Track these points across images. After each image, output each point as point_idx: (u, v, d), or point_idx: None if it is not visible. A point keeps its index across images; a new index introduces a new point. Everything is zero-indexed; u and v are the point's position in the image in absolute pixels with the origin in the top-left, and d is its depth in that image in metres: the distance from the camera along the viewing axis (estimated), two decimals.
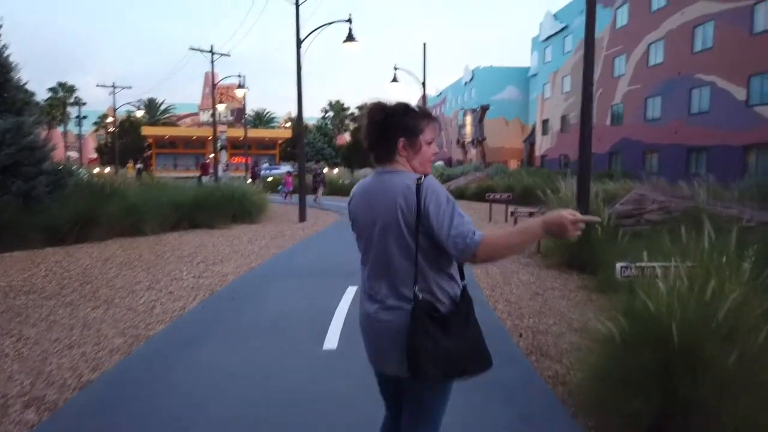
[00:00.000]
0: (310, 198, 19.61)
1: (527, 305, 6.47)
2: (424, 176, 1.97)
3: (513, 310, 6.22)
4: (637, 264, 4.61)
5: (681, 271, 3.71)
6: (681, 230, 5.56)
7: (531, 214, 10.33)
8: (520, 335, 5.35)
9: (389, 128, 2.03)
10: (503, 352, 4.64)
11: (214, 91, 28.23)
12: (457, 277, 2.06)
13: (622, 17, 32.64)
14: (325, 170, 29.19)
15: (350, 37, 17.06)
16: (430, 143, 2.09)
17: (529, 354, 4.83)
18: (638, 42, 30.54)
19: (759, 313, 3.27)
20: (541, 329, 5.55)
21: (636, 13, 31.01)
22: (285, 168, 38.47)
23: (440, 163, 51.85)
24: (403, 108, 2.07)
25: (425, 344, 1.90)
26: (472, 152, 53.14)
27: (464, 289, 2.07)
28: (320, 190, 23.79)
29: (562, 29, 42.35)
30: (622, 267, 4.65)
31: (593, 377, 3.46)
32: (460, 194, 25.49)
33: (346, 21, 16.83)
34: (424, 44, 26.93)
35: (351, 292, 6.78)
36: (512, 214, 10.42)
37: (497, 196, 16.05)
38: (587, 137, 8.60)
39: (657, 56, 29.16)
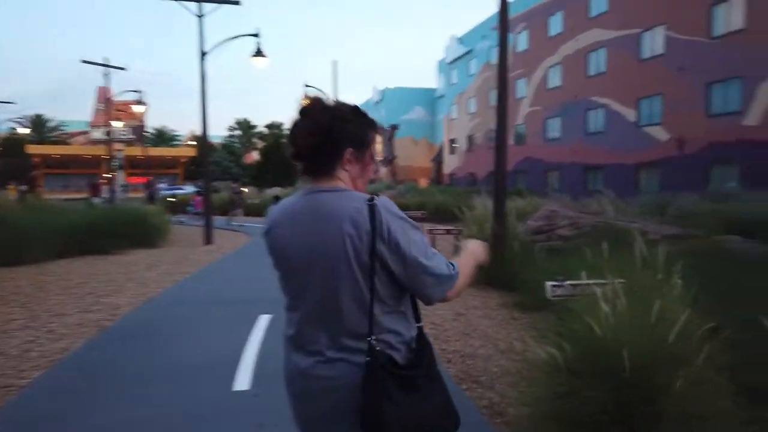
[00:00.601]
0: (218, 220, 18.55)
1: (452, 327, 6.19)
2: (373, 196, 1.56)
3: (438, 333, 5.90)
4: (571, 282, 4.42)
5: (618, 290, 3.53)
6: (603, 246, 5.53)
7: (448, 232, 10.21)
8: (449, 361, 5.03)
9: (336, 134, 1.60)
10: None
11: (108, 106, 26.33)
12: (412, 317, 1.66)
13: (522, 42, 34.32)
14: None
15: (259, 53, 16.48)
16: (374, 159, 1.70)
17: (460, 382, 4.51)
18: (537, 66, 32.18)
19: (700, 334, 3.13)
20: (468, 353, 5.27)
21: (535, 38, 32.71)
22: (189, 188, 36.63)
23: None
24: (352, 111, 1.65)
25: (385, 409, 1.47)
26: (383, 171, 53.51)
27: (421, 331, 1.67)
28: (237, 211, 23.03)
29: (467, 53, 43.93)
30: (553, 286, 4.45)
31: (537, 412, 3.16)
32: None
33: (254, 35, 16.25)
34: (335, 62, 26.76)
35: (264, 320, 6.19)
36: (430, 231, 10.23)
37: (410, 213, 15.97)
38: (503, 155, 8.59)
39: (555, 80, 30.82)
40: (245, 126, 71.38)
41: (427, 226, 13.30)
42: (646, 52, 23.55)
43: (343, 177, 1.63)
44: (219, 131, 68.11)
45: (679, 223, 12.42)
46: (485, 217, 9.51)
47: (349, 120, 1.62)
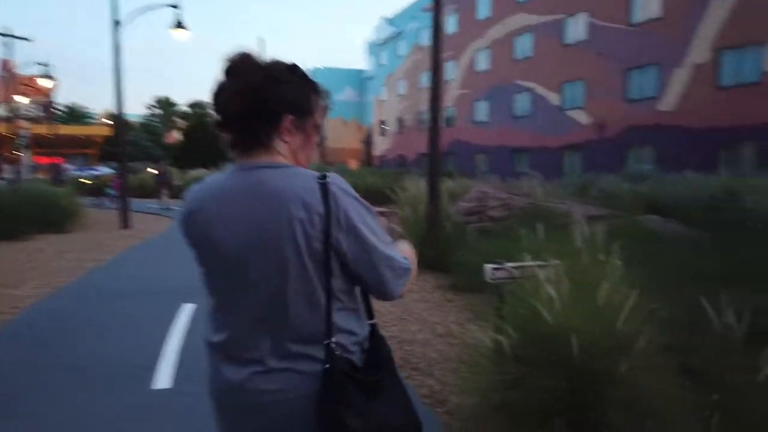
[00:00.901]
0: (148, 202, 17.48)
1: (388, 311, 6.01)
2: (325, 174, 1.30)
3: (376, 318, 5.70)
4: (511, 264, 4.31)
5: (560, 272, 3.43)
6: (537, 227, 5.49)
7: (382, 214, 10.02)
8: None
9: (271, 98, 1.29)
10: None
11: (11, 80, 24.15)
12: (365, 313, 1.43)
13: (451, 25, 34.47)
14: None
15: (179, 25, 15.49)
16: (318, 128, 1.41)
17: (399, 368, 4.30)
18: (466, 49, 32.47)
19: (643, 316, 3.07)
20: (406, 338, 5.11)
21: (463, 21, 32.94)
22: (105, 169, 34.47)
23: None
24: (289, 69, 1.34)
25: (349, 422, 1.23)
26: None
27: (374, 328, 1.44)
28: (164, 192, 21.54)
29: (396, 34, 43.72)
30: (493, 268, 4.33)
31: (483, 402, 3.01)
32: None
33: (173, 6, 15.24)
34: (262, 41, 25.77)
35: (187, 311, 5.76)
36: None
37: None
38: (437, 136, 8.46)
39: (483, 63, 31.23)
40: (165, 104, 68.05)
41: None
42: (570, 37, 24.24)
43: (283, 150, 1.33)
44: (137, 110, 64.54)
45: (601, 203, 12.88)
46: (419, 198, 9.39)
47: (287, 80, 1.31)
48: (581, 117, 23.42)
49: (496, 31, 29.78)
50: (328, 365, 1.25)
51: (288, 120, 1.31)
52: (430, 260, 8.22)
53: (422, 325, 5.51)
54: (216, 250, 1.30)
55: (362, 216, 1.30)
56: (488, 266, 4.42)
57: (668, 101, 19.27)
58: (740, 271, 5.53)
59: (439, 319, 5.74)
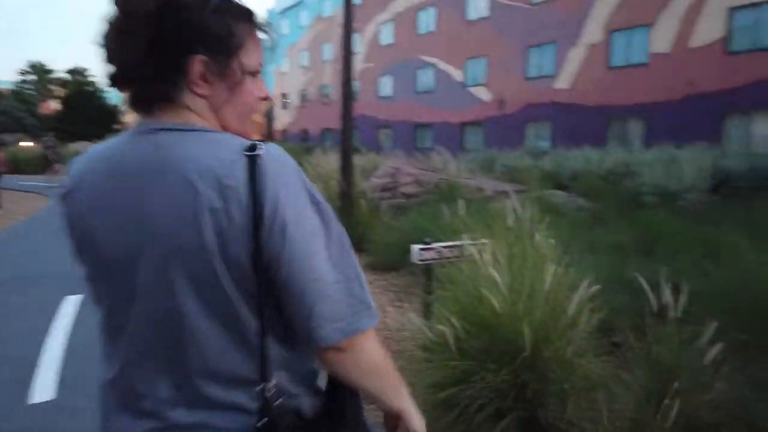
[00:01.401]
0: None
1: None
2: (258, 144, 0.87)
3: None
4: (441, 245, 4.07)
5: (496, 253, 3.23)
6: (458, 203, 5.31)
7: None
8: None
9: (168, 31, 0.86)
10: None
11: None
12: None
13: None
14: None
15: None
16: (256, 73, 0.98)
17: None
18: (370, 21, 31.99)
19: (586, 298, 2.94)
20: None
21: None
22: None
23: None
24: None
25: None
26: None
27: None
28: (56, 168, 19.24)
29: (297, 3, 42.23)
30: (420, 248, 4.07)
31: (427, 400, 2.74)
32: None
33: None
34: None
35: (70, 305, 5.03)
36: None
37: None
38: (349, 109, 8.06)
39: (388, 37, 30.94)
40: (40, 70, 61.60)
41: None
42: (472, 13, 24.51)
43: (198, 107, 0.91)
44: (8, 76, 57.89)
45: (506, 179, 13.18)
46: (330, 174, 8.99)
47: (192, 5, 0.87)
48: (483, 94, 23.91)
49: (399, 5, 29.54)
50: (265, 419, 0.87)
51: (197, 62, 0.88)
52: None
53: None
54: (92, 245, 0.91)
55: (302, 211, 0.88)
56: (416, 247, 4.17)
57: (564, 79, 20.09)
58: (650, 243, 5.73)
59: None
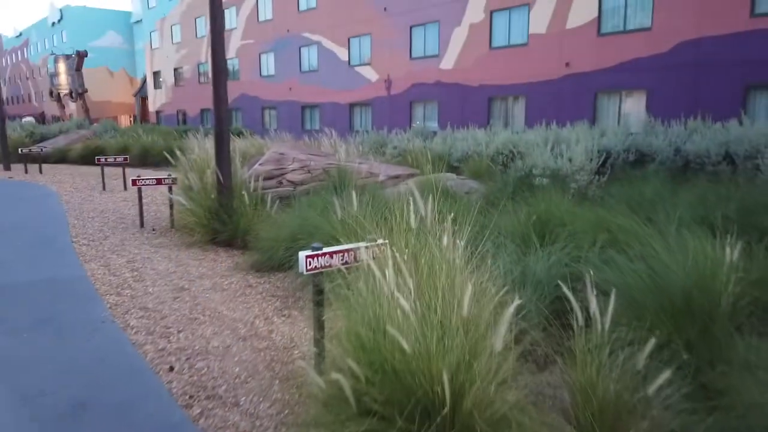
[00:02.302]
0: None
1: (171, 310, 4.76)
2: None
3: (153, 324, 4.42)
4: (330, 250, 3.46)
5: (399, 261, 2.68)
6: (350, 196, 4.75)
7: (160, 182, 8.38)
8: (171, 368, 3.67)
9: None
10: (152, 414, 2.96)
11: None
12: None
13: None
14: None
15: None
16: None
17: (189, 403, 3.23)
18: None
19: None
20: (197, 349, 3.99)
21: None
22: None
23: (29, 119, 42.63)
24: None
25: None
26: (72, 107, 45.39)
27: None
28: None
29: None
30: (308, 256, 3.43)
31: None
32: (61, 157, 20.86)
33: None
34: None
35: None
36: (135, 181, 8.24)
37: (111, 159, 13.17)
38: (222, 88, 7.11)
39: (266, 12, 29.37)
40: None
41: (133, 174, 11.04)
42: None
43: None
44: None
45: (397, 161, 12.81)
46: (206, 161, 8.00)
47: None
48: (369, 73, 23.42)
49: None
50: None
51: None
52: (223, 235, 7.03)
53: (219, 325, 4.42)
54: None
55: None
56: (302, 254, 3.52)
57: (449, 59, 20.10)
58: (549, 229, 5.51)
59: (241, 314, 4.69)
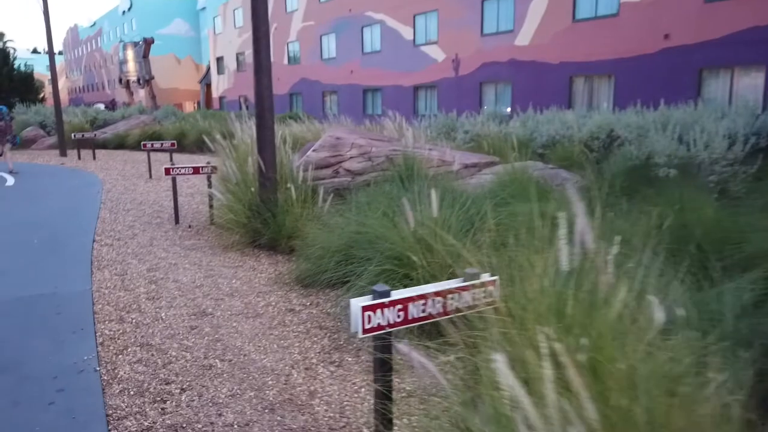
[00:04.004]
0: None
1: (182, 349, 3.48)
2: None
3: (150, 375, 3.15)
4: (409, 293, 2.04)
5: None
6: (431, 198, 3.37)
7: (197, 170, 7.21)
8: None
9: None
10: None
11: None
12: None
13: None
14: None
15: None
16: None
17: None
18: None
19: None
20: (202, 428, 2.67)
21: None
22: None
23: (100, 105, 43.59)
24: None
25: None
26: (140, 94, 46.12)
27: None
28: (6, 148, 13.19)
29: None
30: (366, 308, 2.01)
31: None
32: (120, 143, 20.47)
33: None
34: None
35: None
36: (169, 170, 7.12)
37: (157, 144, 12.27)
38: (264, 57, 5.80)
39: None
40: None
41: (184, 161, 10.03)
42: None
43: None
44: None
45: (469, 147, 11.23)
46: (248, 147, 6.74)
47: None
48: (436, 53, 21.76)
49: None
50: None
51: None
52: (265, 238, 5.76)
53: (241, 380, 3.10)
54: None
55: None
56: (356, 303, 2.11)
57: (524, 35, 18.16)
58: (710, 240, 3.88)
59: (274, 359, 3.36)
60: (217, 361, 3.32)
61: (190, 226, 7.02)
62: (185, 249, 5.97)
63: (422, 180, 6.45)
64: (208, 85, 45.90)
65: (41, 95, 38.06)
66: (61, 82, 66.24)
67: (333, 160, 7.92)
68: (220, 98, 41.36)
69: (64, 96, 69.66)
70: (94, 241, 6.28)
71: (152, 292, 4.56)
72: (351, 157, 7.95)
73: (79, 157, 16.07)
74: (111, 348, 3.47)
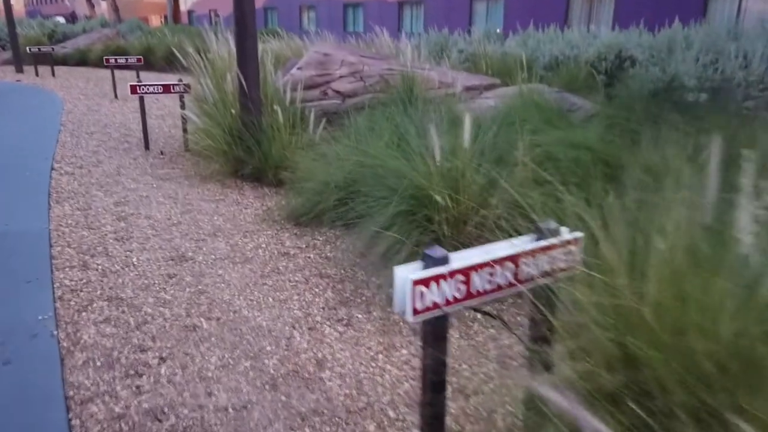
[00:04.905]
0: None
1: (158, 303, 2.91)
2: None
3: (121, 340, 2.58)
4: (478, 262, 1.44)
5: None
6: (463, 125, 2.75)
7: (169, 88, 6.36)
8: None
9: None
10: None
11: None
12: None
13: None
14: None
15: None
16: None
17: None
18: None
19: None
20: (188, 414, 2.15)
21: None
22: None
23: (59, 18, 40.57)
24: None
25: None
26: (102, 6, 42.93)
27: None
28: None
29: None
30: (416, 282, 1.43)
31: None
32: (81, 59, 18.92)
33: None
34: None
35: None
36: (135, 88, 6.26)
37: (122, 60, 11.11)
38: None
39: None
40: None
41: (151, 79, 9.04)
42: None
43: None
44: None
45: (465, 67, 10.41)
46: (226, 63, 5.91)
47: None
48: None
49: None
50: None
51: None
52: (249, 168, 5.09)
53: (232, 345, 2.56)
54: None
55: None
56: (402, 274, 1.54)
57: None
58: None
59: (271, 316, 2.83)
60: (202, 320, 2.76)
61: (162, 153, 6.28)
62: (157, 179, 5.27)
63: (424, 103, 5.78)
64: None
65: None
66: None
67: (320, 79, 7.12)
68: (189, 12, 38.73)
69: (19, 8, 64.71)
70: (52, 169, 5.52)
71: (121, 231, 3.93)
72: (341, 77, 7.15)
73: (37, 74, 14.73)
74: (72, 303, 2.88)
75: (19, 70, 15.73)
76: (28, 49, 15.21)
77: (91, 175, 5.36)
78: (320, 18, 25.87)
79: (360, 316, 2.84)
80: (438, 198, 2.83)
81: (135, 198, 4.68)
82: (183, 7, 39.77)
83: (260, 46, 7.02)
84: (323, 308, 2.91)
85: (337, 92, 7.02)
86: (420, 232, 3.00)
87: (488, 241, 2.42)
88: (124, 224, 4.07)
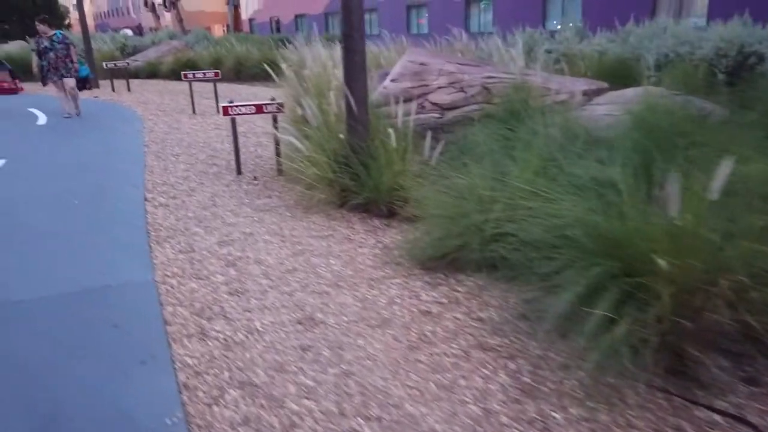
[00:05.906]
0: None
1: (300, 393, 2.38)
2: None
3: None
4: None
5: None
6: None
7: (260, 109, 5.92)
8: None
9: None
10: None
11: None
12: None
13: None
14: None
15: None
16: None
17: None
18: None
19: None
20: None
21: None
22: None
23: (127, 31, 41.92)
24: None
25: None
26: (166, 17, 44.12)
27: None
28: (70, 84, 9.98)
29: None
30: None
31: None
32: (152, 72, 19.18)
33: None
34: None
35: None
36: (227, 109, 5.86)
37: (200, 74, 10.91)
38: None
39: None
40: None
41: (226, 91, 8.72)
42: None
43: None
44: None
45: (555, 69, 9.60)
46: (324, 79, 5.40)
47: None
48: None
49: None
50: None
51: None
52: (359, 199, 4.55)
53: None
54: None
55: None
56: None
57: None
58: None
59: (446, 416, 2.24)
60: (361, 421, 2.20)
61: (255, 178, 5.85)
62: (257, 210, 4.81)
63: (538, 116, 5.08)
64: (236, 7, 43.48)
65: (66, 21, 36.58)
66: (86, 7, 63.78)
67: (416, 91, 6.52)
68: (250, 20, 39.16)
69: (90, 22, 67.68)
70: (145, 199, 5.17)
71: (233, 282, 3.45)
72: (439, 87, 6.52)
73: (113, 89, 14.87)
74: (200, 395, 2.38)
75: (95, 86, 15.97)
76: (104, 64, 15.40)
77: (186, 207, 4.96)
78: (382, 20, 25.38)
79: (557, 416, 2.21)
80: (660, 261, 2.16)
81: (239, 236, 4.23)
82: (244, 15, 40.30)
83: (326, 53, 6.35)
84: (504, 402, 2.30)
85: (435, 105, 6.40)
86: (620, 299, 2.33)
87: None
88: (235, 272, 3.60)
